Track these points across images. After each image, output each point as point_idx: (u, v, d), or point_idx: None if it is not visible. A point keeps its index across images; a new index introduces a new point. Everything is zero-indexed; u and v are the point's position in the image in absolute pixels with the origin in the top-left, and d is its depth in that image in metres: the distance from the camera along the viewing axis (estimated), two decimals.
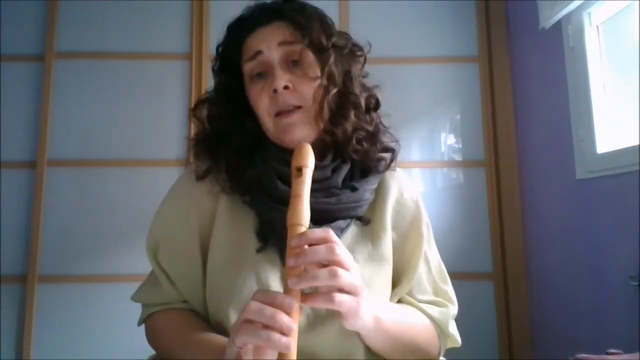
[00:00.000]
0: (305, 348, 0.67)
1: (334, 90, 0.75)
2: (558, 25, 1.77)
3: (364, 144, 0.78)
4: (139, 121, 2.09)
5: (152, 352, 0.82)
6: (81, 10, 2.13)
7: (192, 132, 0.84)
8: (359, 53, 0.82)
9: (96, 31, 2.13)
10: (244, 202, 0.76)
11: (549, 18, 1.76)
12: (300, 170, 0.64)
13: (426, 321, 0.78)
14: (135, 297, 0.84)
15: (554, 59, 1.81)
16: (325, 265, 0.58)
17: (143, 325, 0.84)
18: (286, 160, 0.71)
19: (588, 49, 1.66)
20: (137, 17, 2.15)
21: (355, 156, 0.77)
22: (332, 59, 0.76)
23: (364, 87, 0.81)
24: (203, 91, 1.96)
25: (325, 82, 0.75)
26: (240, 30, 0.80)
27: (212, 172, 0.78)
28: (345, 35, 0.82)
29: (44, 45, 2.09)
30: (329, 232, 0.60)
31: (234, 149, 0.77)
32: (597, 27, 1.67)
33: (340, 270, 0.58)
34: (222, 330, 0.72)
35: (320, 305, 0.59)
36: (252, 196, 0.75)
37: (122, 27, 2.14)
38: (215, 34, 2.11)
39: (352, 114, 0.77)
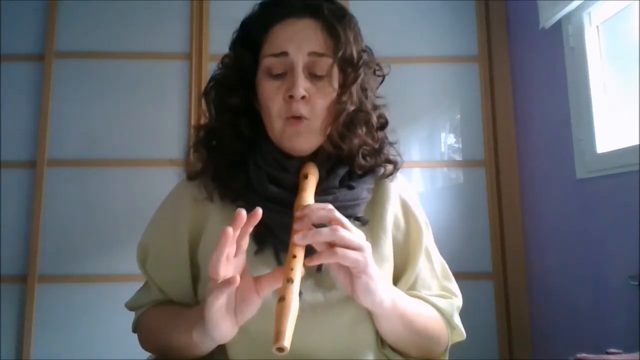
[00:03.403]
0: (312, 344, 0.68)
1: (350, 109, 0.74)
2: (558, 25, 1.77)
3: (368, 159, 0.78)
4: (139, 121, 2.09)
5: None
6: (81, 10, 2.13)
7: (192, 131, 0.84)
8: (378, 73, 0.82)
9: (96, 31, 2.13)
10: (238, 207, 0.75)
11: (549, 18, 1.76)
12: (307, 177, 0.72)
13: (435, 313, 0.78)
14: (127, 304, 0.85)
15: (554, 59, 1.81)
16: None
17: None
18: (281, 164, 0.75)
19: (588, 49, 1.66)
20: (137, 17, 2.15)
21: (359, 172, 0.78)
22: (358, 80, 0.75)
23: (375, 106, 0.80)
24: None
25: (344, 98, 0.74)
26: (270, 13, 0.76)
27: (203, 174, 0.78)
28: (369, 51, 0.80)
29: (44, 45, 2.09)
30: (328, 204, 0.65)
31: (225, 152, 0.76)
32: (597, 27, 1.67)
33: (341, 229, 0.62)
34: None
35: (326, 260, 0.61)
36: (246, 200, 0.74)
37: (122, 27, 2.14)
38: (215, 34, 2.15)
39: (362, 132, 0.76)
